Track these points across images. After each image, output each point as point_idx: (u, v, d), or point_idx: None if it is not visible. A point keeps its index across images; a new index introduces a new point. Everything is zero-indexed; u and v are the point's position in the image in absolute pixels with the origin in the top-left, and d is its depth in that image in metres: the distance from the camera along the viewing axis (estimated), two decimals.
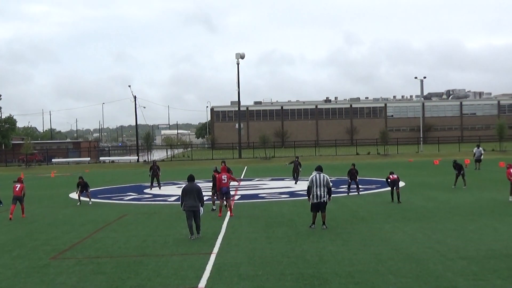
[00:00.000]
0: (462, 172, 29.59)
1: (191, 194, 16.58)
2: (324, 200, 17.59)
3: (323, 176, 17.67)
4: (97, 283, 11.70)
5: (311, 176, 17.84)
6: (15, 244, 16.81)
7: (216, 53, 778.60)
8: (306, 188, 18.47)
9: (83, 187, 27.65)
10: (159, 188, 35.02)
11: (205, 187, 32.28)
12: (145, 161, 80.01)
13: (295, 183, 35.86)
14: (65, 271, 12.93)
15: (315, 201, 17.59)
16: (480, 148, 46.18)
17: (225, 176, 21.59)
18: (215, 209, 22.71)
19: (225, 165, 23.90)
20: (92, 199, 28.47)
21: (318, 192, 17.51)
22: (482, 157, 45.68)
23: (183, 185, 17.47)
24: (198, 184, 17.59)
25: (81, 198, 27.89)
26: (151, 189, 34.91)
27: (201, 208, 16.80)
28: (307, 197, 18.13)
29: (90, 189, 28.91)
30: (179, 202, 17.54)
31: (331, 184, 17.98)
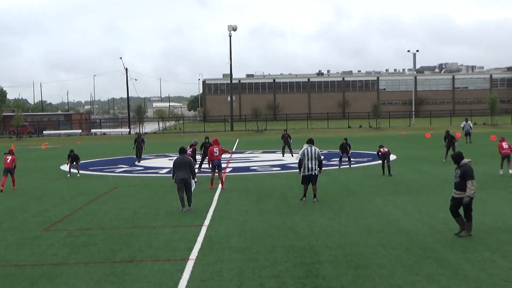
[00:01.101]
0: (453, 145, 29.68)
1: (182, 167, 16.58)
2: (315, 173, 17.64)
3: (314, 149, 17.69)
4: (88, 255, 11.73)
5: (302, 149, 17.86)
6: (6, 216, 16.79)
7: (207, 26, 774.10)
8: (297, 161, 18.50)
9: (73, 159, 27.61)
10: (138, 162, 34.82)
11: (197, 159, 32.25)
12: (136, 133, 79.84)
13: (283, 156, 35.89)
14: (56, 243, 12.94)
15: (306, 173, 17.64)
16: (469, 122, 46.34)
17: (217, 148, 21.57)
18: (197, 182, 22.71)
19: (208, 140, 24.00)
20: (82, 171, 28.41)
21: (309, 165, 17.55)
22: (471, 130, 45.88)
23: (175, 158, 17.45)
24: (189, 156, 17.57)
25: (72, 170, 27.87)
26: (138, 161, 34.84)
27: (193, 181, 16.82)
28: (298, 170, 18.18)
29: (81, 161, 28.86)
30: (171, 175, 17.55)
31: (322, 157, 18.02)
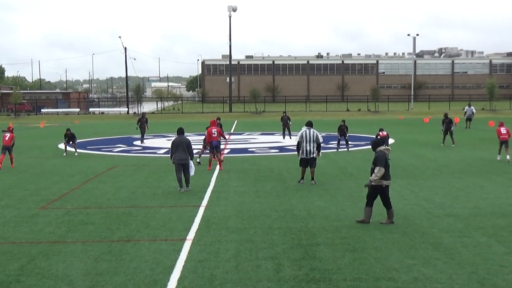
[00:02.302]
0: (450, 130, 29.69)
1: (181, 147, 16.57)
2: (313, 156, 17.65)
3: (313, 131, 17.67)
4: (86, 233, 11.76)
5: (301, 131, 17.84)
6: (4, 194, 16.81)
7: (206, 6, 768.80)
8: (295, 143, 18.50)
9: (70, 138, 27.57)
10: (142, 142, 34.72)
11: (195, 140, 32.28)
12: (134, 113, 79.73)
13: (283, 138, 35.91)
14: (54, 221, 12.97)
15: (304, 156, 17.64)
16: (472, 107, 46.25)
17: (215, 130, 21.55)
18: (200, 163, 22.75)
19: (219, 122, 24.06)
20: (80, 150, 28.41)
21: (308, 148, 17.55)
22: (473, 116, 45.82)
23: (173, 138, 17.45)
24: (187, 137, 17.55)
25: (68, 148, 27.86)
26: (142, 142, 34.71)
27: (191, 162, 16.80)
28: (296, 152, 18.19)
29: (79, 140, 28.87)
30: (169, 155, 17.55)
31: (320, 139, 18.01)
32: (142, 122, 34.88)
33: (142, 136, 35.20)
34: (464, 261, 9.55)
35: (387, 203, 12.33)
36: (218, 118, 26.93)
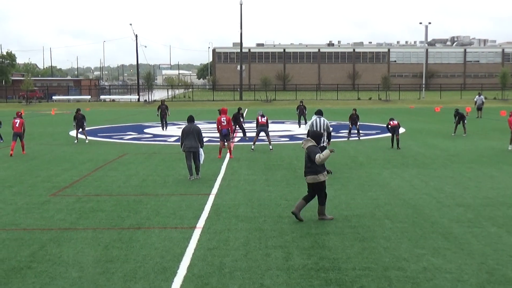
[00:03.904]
0: (463, 120, 29.52)
1: (191, 135, 16.59)
2: (323, 145, 17.59)
3: (323, 120, 17.57)
4: (96, 221, 11.83)
5: (311, 120, 17.77)
6: (16, 180, 16.93)
7: None
8: (305, 132, 18.46)
9: (79, 120, 27.48)
10: (164, 129, 34.62)
11: (205, 128, 32.34)
12: (145, 100, 79.88)
13: (299, 127, 35.91)
14: (64, 208, 13.06)
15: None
16: (482, 96, 46.01)
17: (225, 118, 21.55)
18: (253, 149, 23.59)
19: (240, 111, 24.54)
20: (91, 137, 28.52)
21: None
22: (483, 105, 45.58)
23: (183, 126, 17.48)
24: (198, 125, 17.57)
25: (79, 136, 27.93)
26: (163, 129, 34.62)
27: (201, 150, 16.82)
28: None
29: (90, 128, 28.94)
30: (179, 143, 17.58)
31: (331, 128, 17.94)
32: (163, 109, 34.80)
33: (166, 123, 35.10)
34: (474, 251, 9.53)
35: (322, 199, 11.76)
36: (240, 108, 26.99)
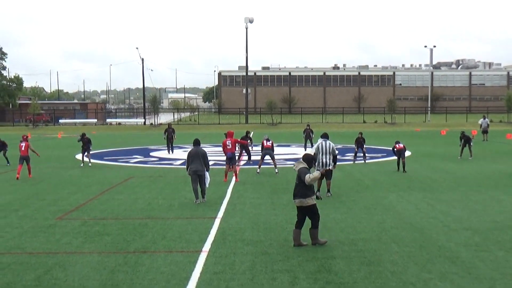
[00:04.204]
0: (469, 143, 29.45)
1: (196, 158, 16.63)
2: (329, 168, 17.58)
3: (329, 143, 17.61)
4: (102, 244, 11.81)
5: (317, 143, 17.81)
6: (22, 204, 16.95)
7: (221, 18, 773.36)
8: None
9: (85, 143, 27.51)
10: (170, 153, 34.49)
11: (211, 151, 32.36)
12: (151, 124, 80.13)
13: (305, 150, 35.86)
14: (70, 232, 13.05)
15: (320, 169, 17.57)
16: (487, 119, 45.91)
17: (230, 141, 21.60)
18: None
19: (247, 134, 24.61)
20: (96, 161, 28.53)
21: (324, 160, 17.48)
22: (488, 128, 45.48)
23: (189, 149, 17.53)
24: (203, 148, 17.60)
25: (85, 159, 27.94)
26: (169, 153, 34.56)
27: (207, 173, 16.82)
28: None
29: (96, 151, 28.96)
30: (185, 166, 17.60)
31: (336, 151, 17.95)
32: (169, 132, 34.81)
33: (172, 147, 35.02)
34: (481, 276, 9.46)
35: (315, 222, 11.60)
36: (248, 132, 27.05)
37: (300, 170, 11.60)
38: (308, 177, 11.32)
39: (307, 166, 11.76)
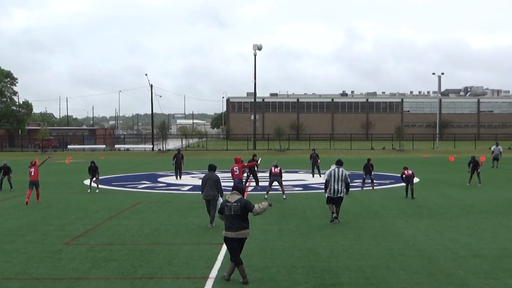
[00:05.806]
0: (477, 170, 29.33)
1: (209, 183, 16.70)
2: (340, 195, 17.48)
3: (342, 170, 17.52)
4: (109, 270, 11.78)
5: (330, 169, 17.72)
6: (29, 229, 16.95)
7: (227, 46, 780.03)
8: (320, 181, 18.41)
9: (94, 171, 27.63)
10: (178, 178, 34.47)
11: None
12: (159, 149, 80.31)
13: (313, 176, 35.78)
14: (77, 257, 13.03)
15: (331, 195, 17.45)
16: (499, 147, 45.63)
17: (237, 167, 21.62)
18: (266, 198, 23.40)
19: (254, 158, 24.84)
20: (105, 186, 28.55)
21: (336, 187, 17.38)
22: (500, 155, 45.19)
23: (197, 175, 17.57)
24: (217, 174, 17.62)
25: (92, 184, 27.98)
26: (177, 178, 34.53)
27: (220, 199, 16.78)
28: (324, 190, 18.01)
29: (105, 176, 29.01)
30: (192, 192, 17.62)
31: (349, 179, 17.83)
32: (178, 158, 34.84)
33: (180, 172, 34.99)
34: None
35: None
36: (254, 155, 27.27)
37: (242, 201, 10.87)
38: (257, 206, 10.81)
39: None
